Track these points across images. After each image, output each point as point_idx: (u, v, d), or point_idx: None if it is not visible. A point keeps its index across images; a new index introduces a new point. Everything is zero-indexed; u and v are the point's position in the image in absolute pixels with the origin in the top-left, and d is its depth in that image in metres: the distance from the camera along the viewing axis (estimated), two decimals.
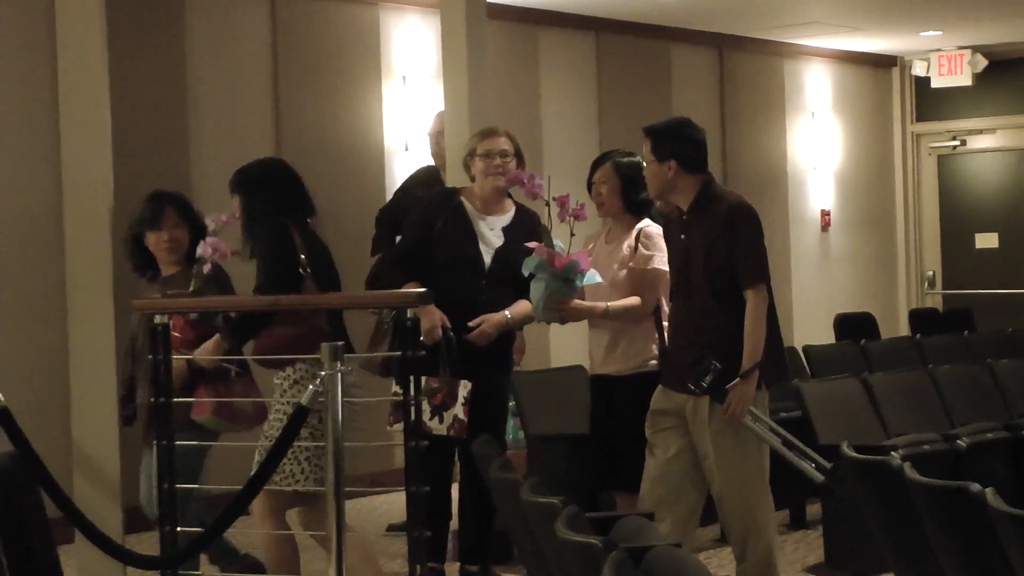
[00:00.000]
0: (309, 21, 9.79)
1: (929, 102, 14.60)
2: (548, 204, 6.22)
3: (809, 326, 13.11)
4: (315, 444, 5.69)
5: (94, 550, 5.59)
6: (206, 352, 6.01)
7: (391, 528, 7.95)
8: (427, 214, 6.77)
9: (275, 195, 6.03)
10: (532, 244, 6.15)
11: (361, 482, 8.18)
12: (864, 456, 5.08)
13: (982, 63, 13.83)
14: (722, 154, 12.83)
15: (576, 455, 7.06)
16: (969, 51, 13.82)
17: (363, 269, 7.70)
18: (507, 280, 6.61)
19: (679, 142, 5.88)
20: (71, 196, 5.96)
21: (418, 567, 5.52)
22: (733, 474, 5.80)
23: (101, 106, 5.94)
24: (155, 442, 5.98)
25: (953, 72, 13.98)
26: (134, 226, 6.35)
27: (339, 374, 5.21)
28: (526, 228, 6.67)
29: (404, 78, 10.30)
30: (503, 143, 6.71)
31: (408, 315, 5.69)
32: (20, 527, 3.99)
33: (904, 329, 13.51)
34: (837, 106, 14.05)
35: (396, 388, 6.34)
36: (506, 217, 6.74)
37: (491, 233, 6.70)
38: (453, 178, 7.18)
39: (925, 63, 14.08)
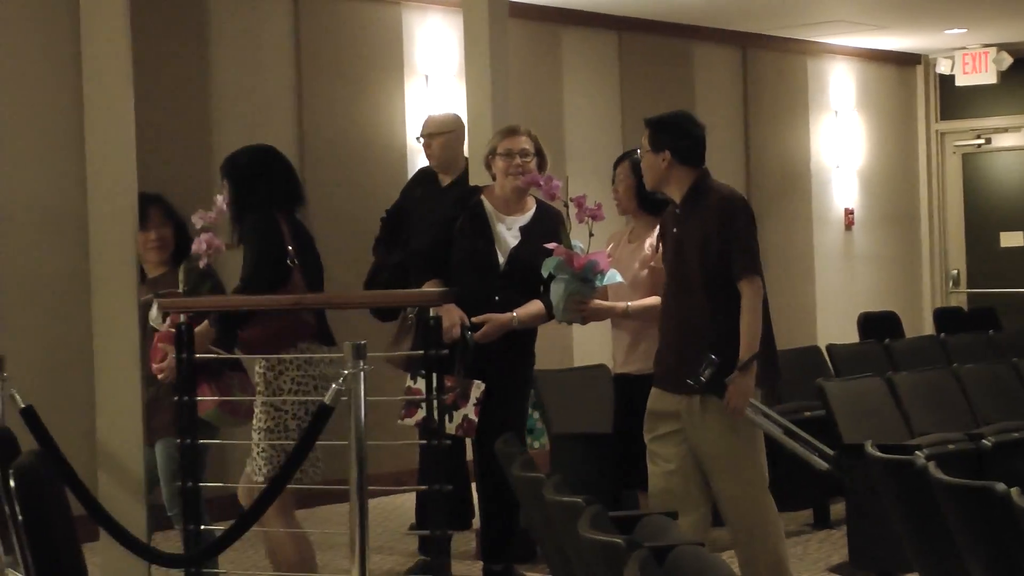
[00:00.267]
0: (332, 20, 9.80)
1: (953, 100, 14.55)
2: (566, 205, 6.23)
3: (833, 325, 13.09)
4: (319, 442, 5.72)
5: (118, 548, 5.61)
6: (199, 337, 5.97)
7: (413, 528, 7.96)
8: (449, 212, 6.78)
9: (265, 185, 6.01)
10: (551, 245, 6.15)
11: (381, 481, 8.18)
12: (888, 455, 5.07)
13: (1007, 61, 13.78)
14: (746, 153, 12.81)
15: (599, 454, 7.06)
16: (994, 49, 13.77)
17: None
18: (521, 281, 6.60)
19: (675, 134, 5.86)
20: (96, 196, 5.98)
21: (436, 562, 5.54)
22: (734, 472, 5.76)
23: (125, 106, 5.95)
24: (156, 440, 6.02)
25: (978, 70, 13.92)
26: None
27: (362, 372, 5.21)
28: (546, 227, 6.67)
29: (427, 77, 10.31)
30: (524, 142, 6.70)
31: (431, 313, 5.71)
32: (45, 525, 4.00)
33: (928, 328, 13.47)
34: (861, 105, 14.01)
35: (410, 383, 6.35)
36: (526, 216, 6.73)
37: (508, 233, 6.70)
38: (476, 178, 7.19)
39: (949, 61, 14.04)
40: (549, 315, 6.62)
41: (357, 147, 9.85)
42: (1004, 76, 13.87)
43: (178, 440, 5.72)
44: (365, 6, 9.98)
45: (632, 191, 6.54)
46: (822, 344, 10.15)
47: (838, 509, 7.94)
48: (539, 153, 6.73)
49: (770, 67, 13.08)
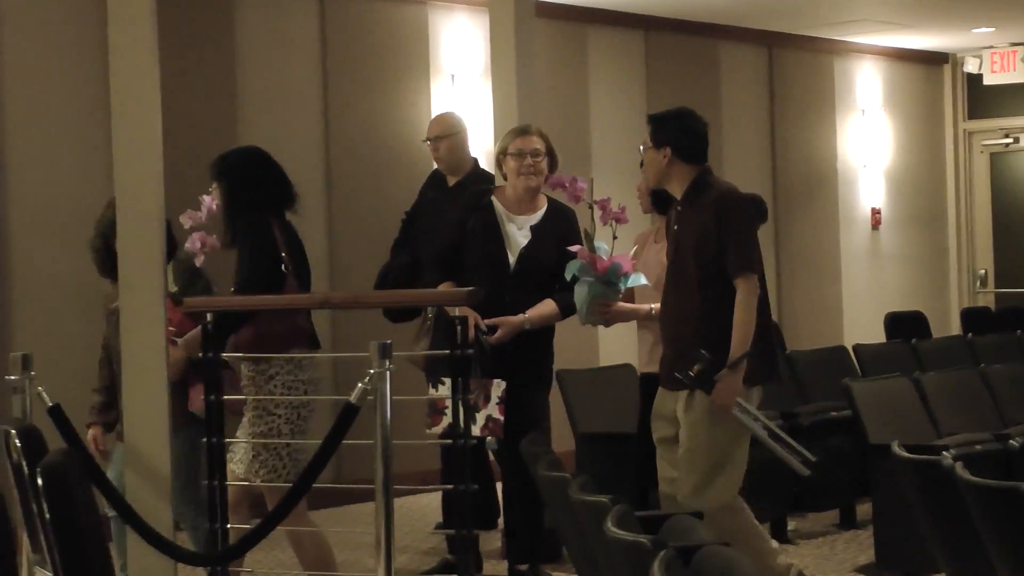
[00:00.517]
0: (358, 20, 9.81)
1: (981, 99, 14.50)
2: (591, 207, 6.22)
3: (860, 325, 13.05)
4: (299, 440, 5.82)
5: (145, 546, 5.62)
6: (193, 341, 6.01)
7: (439, 527, 7.96)
8: (462, 214, 6.80)
9: (259, 188, 6.04)
10: (574, 248, 6.15)
11: (406, 480, 8.18)
12: (915, 456, 5.05)
13: None
14: (772, 152, 12.79)
15: (625, 453, 7.05)
16: (1022, 48, 13.72)
17: None
18: (533, 281, 6.61)
19: (676, 131, 5.85)
20: (123, 196, 5.98)
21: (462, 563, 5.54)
22: (705, 471, 5.72)
23: (152, 106, 5.96)
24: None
25: (1006, 69, 13.87)
26: (105, 230, 6.32)
27: (387, 372, 5.22)
28: (557, 225, 6.68)
29: (453, 77, 10.31)
30: (535, 142, 6.71)
31: (456, 313, 5.71)
32: (72, 524, 4.01)
33: (955, 328, 13.42)
34: (888, 104, 13.97)
35: (432, 391, 6.35)
36: (537, 215, 6.73)
37: (519, 233, 6.70)
38: (501, 179, 7.19)
39: (977, 60, 13.99)
40: (563, 314, 6.64)
41: (383, 147, 9.86)
42: None
43: (181, 435, 5.81)
44: (391, 6, 9.99)
45: (648, 190, 6.54)
46: (849, 344, 10.12)
47: (864, 509, 7.92)
48: (550, 153, 6.75)
49: (797, 66, 13.05)
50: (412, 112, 10.04)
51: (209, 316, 5.73)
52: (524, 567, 6.83)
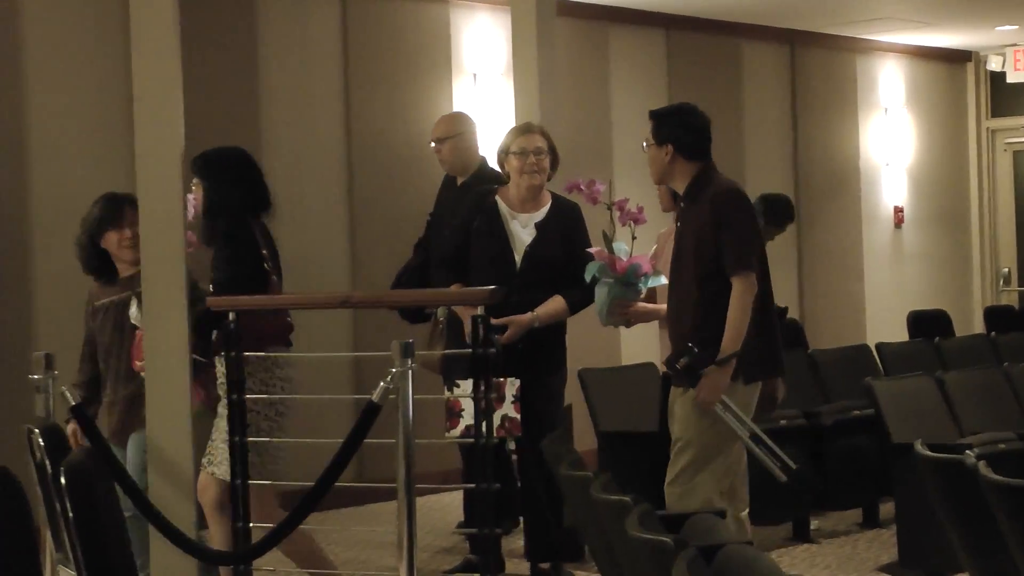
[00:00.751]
0: (380, 20, 9.82)
1: (1004, 97, 14.45)
2: (609, 209, 6.22)
3: (882, 324, 13.02)
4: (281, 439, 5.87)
5: (168, 545, 5.63)
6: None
7: (460, 526, 7.96)
8: (466, 215, 6.81)
9: (239, 188, 6.05)
10: (593, 249, 6.15)
11: (428, 479, 8.19)
12: (938, 455, 5.04)
13: None
14: (794, 151, 12.77)
15: (647, 452, 7.04)
16: None
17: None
18: (539, 279, 6.61)
19: (677, 127, 5.81)
20: (145, 195, 6.00)
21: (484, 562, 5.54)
22: (680, 458, 5.69)
23: (174, 105, 5.97)
24: (130, 436, 6.10)
25: None
26: (92, 227, 6.36)
27: (410, 371, 5.22)
28: (562, 222, 6.70)
29: (475, 76, 10.31)
30: (537, 140, 6.73)
31: (479, 312, 5.71)
32: (95, 522, 4.03)
33: (979, 327, 13.38)
34: (911, 102, 13.94)
35: (448, 393, 6.35)
36: (541, 213, 6.75)
37: (523, 231, 6.71)
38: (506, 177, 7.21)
39: (1000, 58, 13.94)
40: (572, 311, 6.65)
41: (404, 146, 9.86)
42: None
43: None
44: (413, 5, 10.00)
45: (667, 189, 6.54)
46: (871, 343, 10.10)
47: (887, 509, 7.91)
48: (552, 151, 6.76)
49: (819, 65, 13.02)
50: (434, 111, 10.03)
51: (231, 315, 5.75)
52: (546, 566, 6.83)
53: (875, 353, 9.66)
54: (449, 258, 6.85)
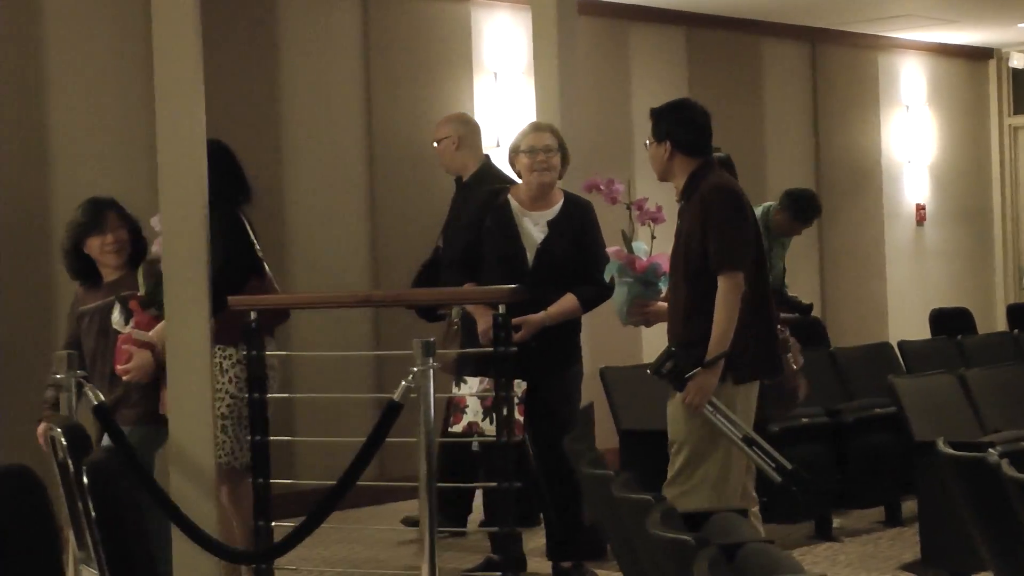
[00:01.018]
0: (401, 18, 9.83)
1: None
2: (628, 208, 6.21)
3: (904, 321, 12.99)
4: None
5: (189, 544, 5.65)
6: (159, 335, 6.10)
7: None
8: (476, 214, 6.82)
9: (226, 179, 6.18)
10: (612, 249, 6.15)
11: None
12: (960, 453, 5.02)
13: None
14: (815, 149, 12.74)
15: (668, 451, 7.03)
16: None
17: None
18: (550, 277, 6.61)
19: (674, 123, 5.74)
20: (167, 196, 6.02)
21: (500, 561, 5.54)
22: (676, 459, 5.66)
23: (196, 104, 5.99)
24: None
25: None
26: (75, 233, 6.37)
27: (431, 370, 5.23)
28: (574, 219, 6.70)
29: (495, 75, 10.31)
30: (547, 138, 6.74)
31: (500, 311, 5.72)
32: (117, 522, 4.03)
33: (1001, 324, 13.34)
34: (932, 99, 13.90)
35: (455, 389, 6.35)
36: (552, 211, 6.75)
37: (535, 229, 6.71)
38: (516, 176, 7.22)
39: (1022, 55, 13.89)
40: (585, 308, 6.65)
41: (426, 145, 9.84)
42: None
43: (136, 434, 6.00)
44: (434, 4, 10.00)
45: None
46: (893, 340, 10.08)
47: (909, 507, 7.89)
48: (562, 148, 6.76)
49: (840, 62, 13.00)
50: (454, 110, 10.02)
51: (253, 315, 5.76)
52: (568, 564, 6.83)
53: (897, 351, 9.64)
54: (460, 258, 6.85)
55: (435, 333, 7.26)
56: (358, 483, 5.57)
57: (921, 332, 11.84)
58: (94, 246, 6.33)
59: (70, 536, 4.79)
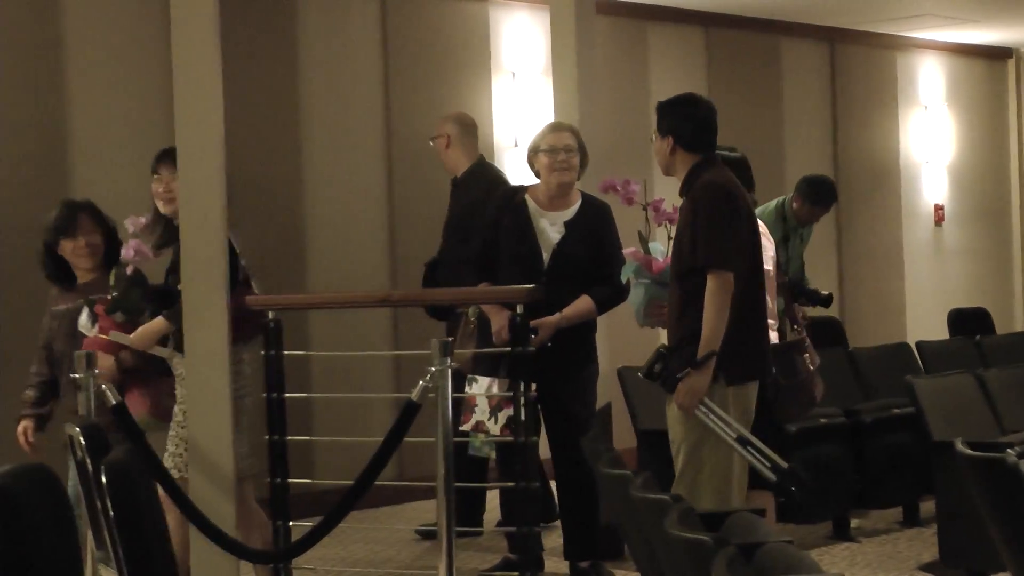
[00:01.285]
0: (419, 18, 9.84)
1: None
2: (645, 209, 6.21)
3: (923, 321, 12.97)
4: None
5: (208, 544, 5.66)
6: (148, 332, 6.09)
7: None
8: (492, 214, 6.82)
9: None
10: (629, 250, 6.15)
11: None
12: (979, 453, 5.01)
13: None
14: (834, 149, 12.73)
15: None
16: None
17: None
18: (567, 277, 6.60)
19: (677, 118, 5.70)
20: (185, 196, 6.03)
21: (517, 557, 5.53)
22: (678, 459, 5.62)
23: (215, 106, 6.00)
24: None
25: None
26: (48, 235, 6.36)
27: (449, 370, 5.23)
28: (592, 220, 6.69)
29: (514, 74, 10.32)
30: (567, 138, 6.74)
31: (519, 311, 5.72)
32: (136, 521, 4.04)
33: (1020, 324, 13.32)
34: (951, 99, 13.87)
35: (468, 388, 6.35)
36: (570, 211, 6.75)
37: (552, 229, 6.71)
38: (534, 176, 7.22)
39: None
40: (600, 310, 6.65)
41: None
42: None
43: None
44: (452, 4, 10.01)
45: None
46: (912, 340, 10.06)
47: (928, 507, 7.87)
48: (581, 149, 6.76)
49: (859, 62, 12.98)
50: (473, 110, 10.03)
51: (271, 314, 5.77)
52: (585, 564, 6.83)
53: (915, 351, 9.62)
54: (477, 259, 6.85)
55: (445, 331, 7.28)
56: (376, 483, 5.57)
57: (939, 332, 11.82)
58: (66, 249, 6.32)
59: (88, 536, 4.80)
